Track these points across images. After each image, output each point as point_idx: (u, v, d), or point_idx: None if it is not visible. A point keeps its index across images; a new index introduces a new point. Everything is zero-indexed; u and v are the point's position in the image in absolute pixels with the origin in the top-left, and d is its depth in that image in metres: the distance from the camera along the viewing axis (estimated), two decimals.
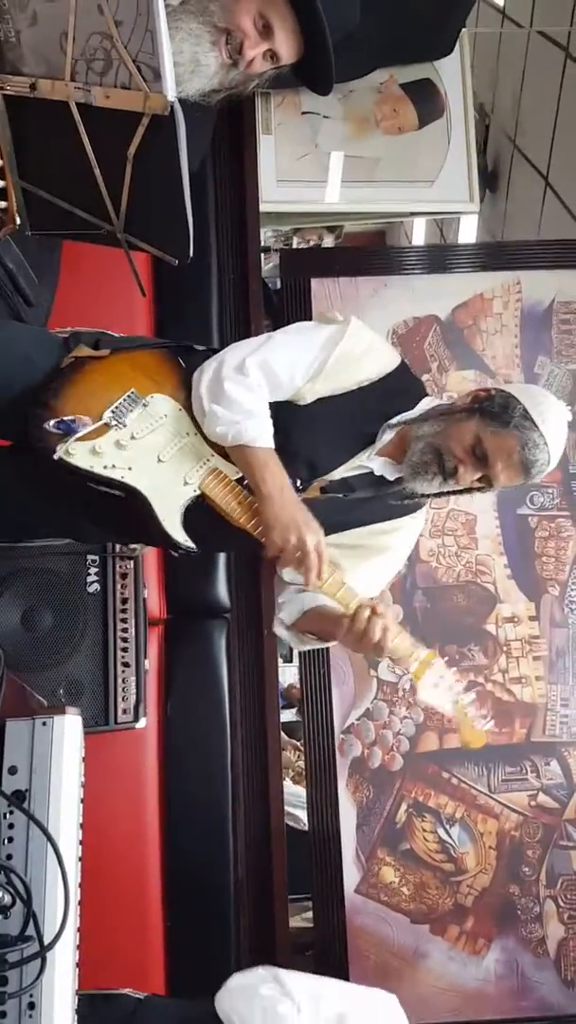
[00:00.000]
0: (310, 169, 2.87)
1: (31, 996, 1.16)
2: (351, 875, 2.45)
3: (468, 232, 4.41)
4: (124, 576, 2.15)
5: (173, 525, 1.49)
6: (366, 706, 2.54)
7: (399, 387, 1.66)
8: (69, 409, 1.50)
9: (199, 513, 1.52)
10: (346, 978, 2.34)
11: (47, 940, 1.15)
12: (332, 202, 2.90)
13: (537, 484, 2.34)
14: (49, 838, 1.19)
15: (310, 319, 2.03)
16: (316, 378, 1.57)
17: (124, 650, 2.11)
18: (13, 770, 1.24)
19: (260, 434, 1.49)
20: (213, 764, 2.46)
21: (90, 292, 2.43)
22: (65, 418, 1.48)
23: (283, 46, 1.63)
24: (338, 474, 1.60)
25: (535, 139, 3.89)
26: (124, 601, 2.13)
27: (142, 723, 2.11)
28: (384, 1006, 1.58)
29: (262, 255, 2.88)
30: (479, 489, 1.61)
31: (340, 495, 1.59)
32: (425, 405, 1.66)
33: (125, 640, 2.11)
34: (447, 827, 2.49)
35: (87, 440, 1.48)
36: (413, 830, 2.49)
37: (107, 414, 1.50)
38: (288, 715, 3.95)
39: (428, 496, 1.64)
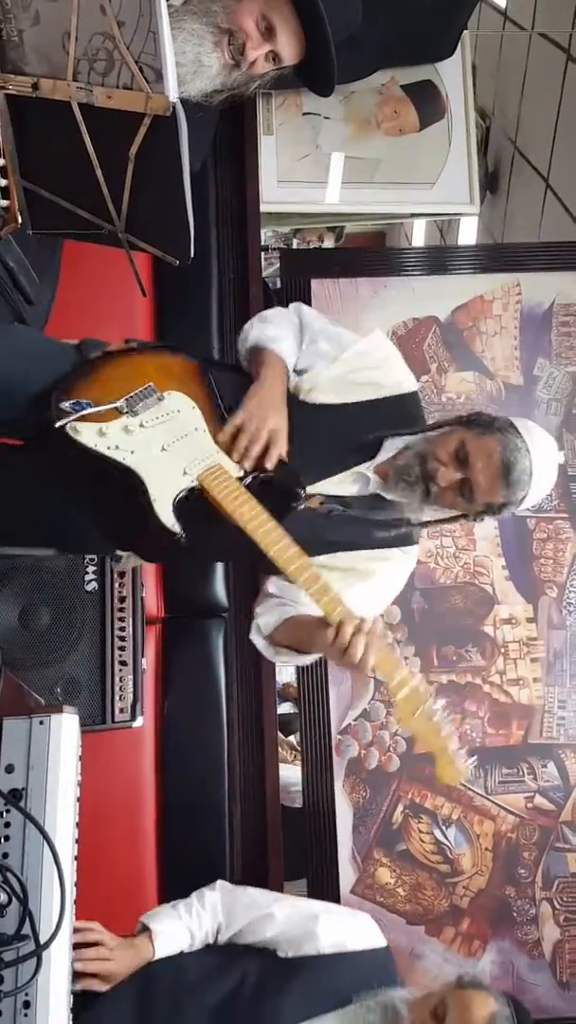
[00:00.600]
0: (311, 170, 2.88)
1: (27, 995, 1.16)
2: (347, 876, 2.45)
3: (468, 234, 4.41)
4: (122, 575, 2.15)
5: (164, 507, 1.48)
6: (363, 707, 2.54)
7: (409, 413, 1.70)
8: (87, 394, 1.54)
9: (193, 507, 1.52)
10: None
11: (43, 939, 1.15)
12: (333, 203, 2.90)
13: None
14: (45, 836, 1.19)
15: None
16: (331, 366, 1.62)
17: (121, 649, 2.11)
18: (10, 768, 1.25)
19: (280, 342, 1.61)
20: (210, 763, 2.46)
21: (91, 291, 2.44)
22: (81, 400, 1.52)
23: (285, 48, 1.64)
24: (336, 484, 1.61)
25: (536, 141, 3.90)
26: (122, 600, 2.13)
27: (139, 722, 2.11)
28: (360, 918, 1.65)
29: (262, 255, 2.88)
30: (465, 515, 1.61)
31: (340, 508, 1.61)
32: None
33: (122, 639, 2.11)
34: (443, 828, 2.49)
35: (96, 421, 1.51)
36: (409, 831, 2.49)
37: (120, 401, 1.53)
38: (283, 707, 3.96)
39: (420, 525, 1.65)
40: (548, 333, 2.72)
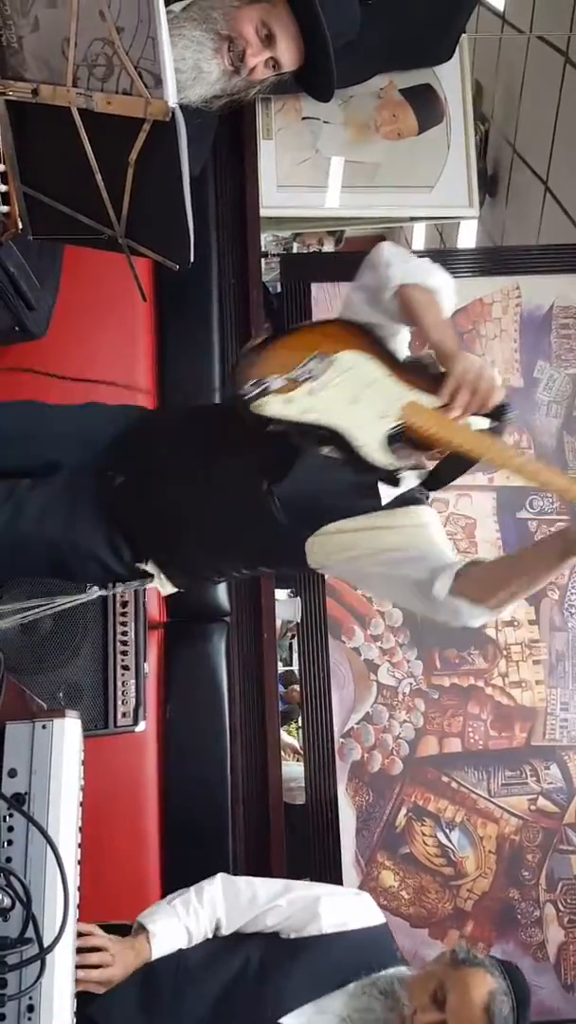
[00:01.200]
0: (310, 174, 2.88)
1: (30, 998, 1.16)
2: (350, 879, 2.45)
3: (468, 237, 4.42)
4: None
5: (373, 451, 1.53)
6: (366, 710, 2.54)
7: None
8: (263, 374, 1.58)
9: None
10: None
11: (46, 943, 1.15)
12: (332, 207, 2.91)
13: (537, 488, 2.34)
14: (49, 841, 1.19)
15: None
16: None
17: (124, 653, 2.10)
18: (13, 773, 1.25)
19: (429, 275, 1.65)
20: (212, 767, 2.47)
21: (91, 296, 2.44)
22: (260, 379, 1.57)
23: (285, 54, 1.64)
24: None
25: (535, 144, 3.90)
26: (124, 604, 2.13)
27: (142, 726, 2.11)
28: (361, 897, 1.65)
29: (262, 260, 2.89)
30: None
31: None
32: None
33: (125, 643, 2.11)
34: (447, 831, 2.49)
35: (278, 394, 1.56)
36: (413, 834, 2.49)
37: (297, 370, 1.58)
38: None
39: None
40: (548, 335, 2.73)
